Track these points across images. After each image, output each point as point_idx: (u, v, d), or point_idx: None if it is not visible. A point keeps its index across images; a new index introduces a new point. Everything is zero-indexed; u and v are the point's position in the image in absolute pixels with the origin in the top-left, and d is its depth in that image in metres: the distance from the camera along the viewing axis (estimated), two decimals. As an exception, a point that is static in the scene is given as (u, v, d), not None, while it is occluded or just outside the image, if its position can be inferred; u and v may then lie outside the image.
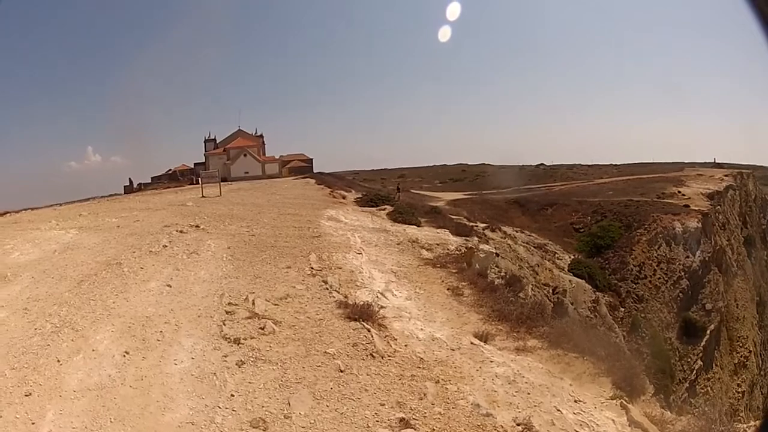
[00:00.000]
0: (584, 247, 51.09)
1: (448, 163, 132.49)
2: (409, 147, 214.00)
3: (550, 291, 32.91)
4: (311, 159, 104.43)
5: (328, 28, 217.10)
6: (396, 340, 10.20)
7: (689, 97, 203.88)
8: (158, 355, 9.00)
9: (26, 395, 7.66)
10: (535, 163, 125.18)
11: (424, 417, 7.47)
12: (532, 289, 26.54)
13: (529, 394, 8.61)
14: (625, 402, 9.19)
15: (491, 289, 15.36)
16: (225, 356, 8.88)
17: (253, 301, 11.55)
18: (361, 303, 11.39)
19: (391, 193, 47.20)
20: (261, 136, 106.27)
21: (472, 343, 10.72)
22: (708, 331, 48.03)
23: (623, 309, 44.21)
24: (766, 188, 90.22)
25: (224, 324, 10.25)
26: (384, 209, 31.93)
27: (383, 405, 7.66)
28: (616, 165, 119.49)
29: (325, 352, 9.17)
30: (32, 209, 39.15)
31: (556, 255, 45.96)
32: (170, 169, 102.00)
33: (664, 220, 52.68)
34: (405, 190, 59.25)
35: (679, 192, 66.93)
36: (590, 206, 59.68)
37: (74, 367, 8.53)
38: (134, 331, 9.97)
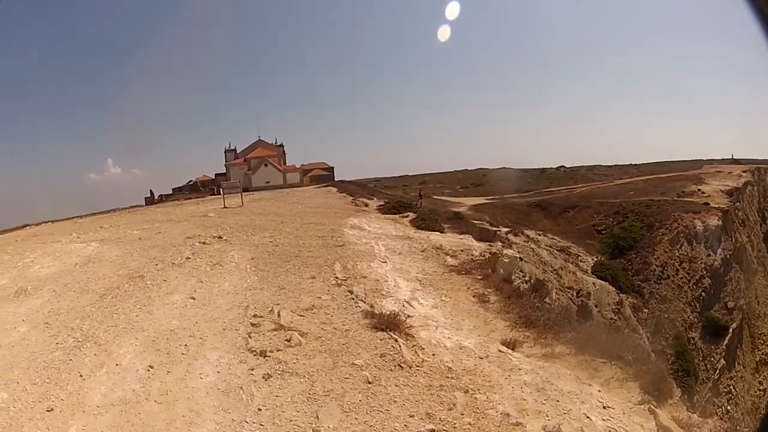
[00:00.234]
0: (607, 248, 50.84)
1: (469, 168, 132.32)
2: (430, 153, 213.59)
3: (574, 294, 32.68)
4: (332, 167, 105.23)
5: (347, 35, 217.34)
6: (423, 349, 10.04)
7: (706, 96, 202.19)
8: (183, 369, 8.87)
9: (48, 411, 7.58)
10: (555, 166, 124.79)
11: (454, 428, 7.33)
12: (556, 293, 26.38)
13: (558, 401, 8.47)
14: (653, 407, 9.14)
15: (517, 295, 15.21)
16: (251, 369, 8.74)
17: (279, 312, 11.39)
18: (388, 312, 11.21)
19: (413, 200, 47.21)
20: (281, 145, 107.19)
21: (499, 350, 10.59)
22: (731, 330, 47.64)
23: (647, 310, 43.89)
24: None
25: (250, 336, 10.11)
26: (407, 216, 31.78)
27: (412, 416, 7.51)
28: (635, 165, 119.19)
29: (353, 363, 9.00)
30: (52, 222, 39.54)
31: (579, 257, 45.82)
32: (191, 180, 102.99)
33: (685, 219, 52.35)
34: (427, 196, 59.25)
35: (699, 190, 66.62)
36: (612, 207, 59.39)
37: (97, 381, 8.42)
38: (158, 345, 9.86)
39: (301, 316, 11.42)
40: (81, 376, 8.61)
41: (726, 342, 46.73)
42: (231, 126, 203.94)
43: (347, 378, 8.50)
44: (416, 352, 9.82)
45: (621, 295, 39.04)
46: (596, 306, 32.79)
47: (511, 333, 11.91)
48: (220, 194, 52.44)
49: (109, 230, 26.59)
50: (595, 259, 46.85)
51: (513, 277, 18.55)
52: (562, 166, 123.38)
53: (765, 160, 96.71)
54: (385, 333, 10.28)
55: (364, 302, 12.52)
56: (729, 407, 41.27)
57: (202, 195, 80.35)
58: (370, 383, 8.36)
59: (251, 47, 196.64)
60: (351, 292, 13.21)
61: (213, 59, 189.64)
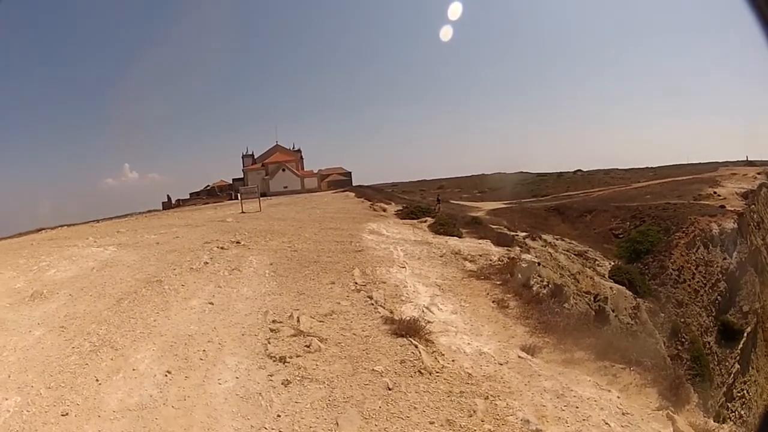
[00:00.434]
0: (624, 252, 50.52)
1: (486, 173, 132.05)
2: (448, 157, 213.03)
3: (592, 299, 32.49)
4: (350, 172, 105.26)
5: (364, 40, 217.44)
6: (443, 355, 9.96)
7: (720, 96, 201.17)
8: (201, 374, 8.81)
9: (63, 415, 7.54)
10: (573, 169, 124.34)
11: (474, 435, 7.25)
12: (573, 297, 26.25)
13: (577, 407, 8.45)
14: (671, 413, 9.25)
15: (536, 301, 15.24)
16: (270, 375, 8.67)
17: (298, 318, 11.34)
18: (408, 318, 11.10)
19: (431, 205, 47.01)
20: (299, 150, 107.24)
21: (519, 356, 10.57)
22: (745, 334, 47.28)
23: (663, 314, 43.49)
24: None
25: (269, 342, 10.05)
26: (425, 221, 31.71)
27: (433, 423, 7.43)
28: (652, 168, 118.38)
29: (373, 369, 8.92)
30: (68, 226, 39.66)
31: (597, 262, 45.50)
32: (208, 185, 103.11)
33: (701, 222, 51.99)
34: (444, 201, 59.02)
35: (715, 193, 66.30)
36: (629, 211, 59.01)
37: (114, 386, 8.38)
38: (176, 350, 9.81)
39: (320, 321, 11.34)
40: (97, 380, 8.56)
41: (740, 346, 46.38)
42: (248, 131, 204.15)
43: (367, 384, 8.42)
44: (436, 358, 9.73)
45: (638, 299, 38.74)
46: (613, 311, 32.58)
47: (530, 339, 11.88)
48: (237, 199, 52.65)
49: (126, 234, 26.74)
50: (613, 264, 46.56)
51: (531, 282, 18.42)
52: (579, 170, 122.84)
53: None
54: (405, 339, 10.20)
55: (384, 308, 12.41)
56: (742, 412, 40.96)
57: (220, 200, 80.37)
58: (390, 390, 8.27)
59: (269, 53, 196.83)
60: (370, 298, 13.12)
61: (231, 65, 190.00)
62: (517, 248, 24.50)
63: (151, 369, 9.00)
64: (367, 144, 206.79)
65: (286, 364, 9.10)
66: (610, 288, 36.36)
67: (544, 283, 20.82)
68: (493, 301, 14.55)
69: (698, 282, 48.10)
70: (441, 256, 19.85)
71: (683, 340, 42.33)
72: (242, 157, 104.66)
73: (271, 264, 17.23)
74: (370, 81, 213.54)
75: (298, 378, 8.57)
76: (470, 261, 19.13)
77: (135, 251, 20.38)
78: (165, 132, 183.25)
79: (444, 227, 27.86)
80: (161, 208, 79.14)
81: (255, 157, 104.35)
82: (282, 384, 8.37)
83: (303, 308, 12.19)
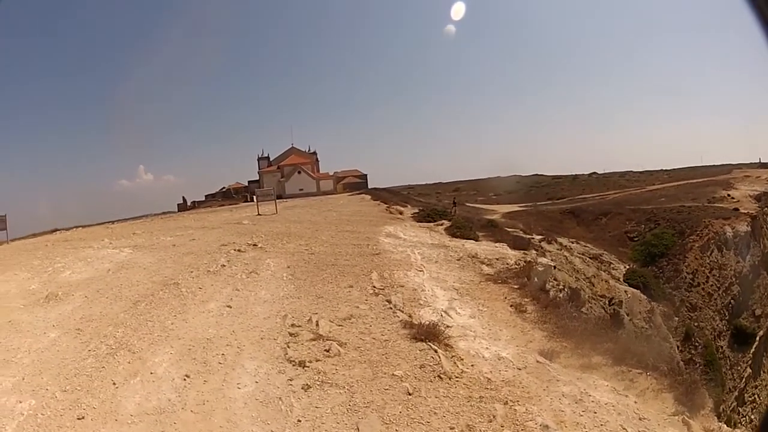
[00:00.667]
0: (639, 256, 50.39)
1: (502, 175, 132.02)
2: (463, 160, 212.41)
3: (606, 302, 32.39)
4: (365, 174, 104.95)
5: (380, 42, 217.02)
6: (462, 360, 9.91)
7: (733, 96, 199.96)
8: (220, 378, 8.77)
9: (79, 419, 7.51)
10: (588, 172, 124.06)
11: (494, 440, 7.24)
12: (589, 301, 26.17)
13: (595, 413, 8.47)
14: (686, 418, 9.35)
15: (554, 305, 15.25)
16: (290, 380, 8.64)
17: (317, 322, 11.29)
18: (427, 323, 11.04)
19: (447, 208, 46.98)
20: (314, 153, 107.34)
21: (537, 361, 10.55)
22: (757, 338, 47.04)
23: (677, 318, 43.42)
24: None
25: (288, 346, 10.00)
26: (441, 224, 31.56)
27: (453, 428, 7.40)
28: (666, 171, 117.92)
29: (393, 374, 8.88)
30: (83, 227, 39.75)
31: (612, 265, 45.44)
32: (224, 187, 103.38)
33: (715, 225, 51.83)
34: (460, 204, 58.88)
35: (729, 195, 66.21)
36: (644, 214, 58.88)
37: (131, 390, 8.36)
38: (194, 354, 9.77)
39: (339, 325, 11.29)
40: (114, 384, 8.54)
41: (752, 350, 46.20)
42: (264, 133, 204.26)
43: (387, 389, 8.38)
44: (455, 363, 9.69)
45: (652, 303, 38.62)
46: (628, 314, 32.46)
47: (548, 343, 11.86)
48: (253, 201, 52.69)
49: (142, 236, 26.79)
50: (628, 267, 46.47)
51: (547, 285, 18.39)
52: (594, 173, 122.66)
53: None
54: (424, 343, 10.15)
55: (402, 312, 12.36)
56: (753, 416, 40.77)
57: (235, 202, 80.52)
58: (410, 394, 8.23)
59: (284, 55, 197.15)
60: (389, 302, 13.07)
61: (247, 66, 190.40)
62: (534, 252, 24.44)
63: (169, 372, 8.97)
64: (382, 146, 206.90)
65: (305, 368, 9.06)
66: (625, 291, 36.25)
67: (560, 286, 20.76)
68: (510, 306, 14.51)
69: (712, 285, 47.98)
70: (458, 260, 19.78)
71: (696, 344, 42.26)
72: (258, 160, 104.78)
73: (289, 267, 17.18)
74: (385, 82, 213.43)
75: (318, 383, 8.53)
76: (487, 264, 19.06)
77: (151, 253, 20.39)
78: (180, 134, 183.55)
79: (460, 230, 27.79)
80: (176, 210, 79.38)
81: (270, 159, 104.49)
82: (302, 388, 8.33)
83: (322, 312, 12.14)
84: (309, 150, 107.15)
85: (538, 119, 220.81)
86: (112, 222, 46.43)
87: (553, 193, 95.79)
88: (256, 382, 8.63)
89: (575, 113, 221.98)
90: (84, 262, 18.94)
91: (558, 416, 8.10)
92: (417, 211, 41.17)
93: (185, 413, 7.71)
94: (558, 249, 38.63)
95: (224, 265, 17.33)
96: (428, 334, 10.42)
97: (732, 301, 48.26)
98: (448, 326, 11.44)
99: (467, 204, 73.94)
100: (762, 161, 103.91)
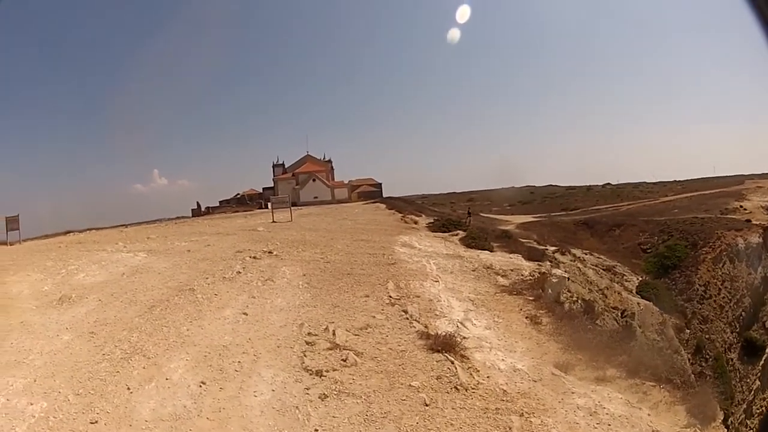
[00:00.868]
0: (651, 267, 50.20)
1: (516, 186, 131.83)
2: (477, 169, 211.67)
3: (619, 314, 32.33)
4: (380, 183, 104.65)
5: (395, 51, 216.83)
6: (479, 371, 9.92)
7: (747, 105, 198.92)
8: (237, 386, 8.76)
9: (92, 423, 7.50)
10: (602, 183, 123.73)
11: (510, 452, 7.23)
12: (602, 313, 26.14)
13: (609, 425, 8.49)
14: (698, 430, 9.72)
15: (569, 317, 15.31)
16: (307, 389, 8.63)
17: (334, 331, 11.30)
18: (443, 334, 11.06)
19: (461, 218, 46.93)
20: (329, 161, 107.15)
21: (553, 373, 10.57)
22: (767, 350, 46.77)
23: (689, 330, 43.26)
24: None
25: (305, 355, 10.01)
26: (456, 234, 31.59)
27: (470, 440, 7.34)
28: (679, 181, 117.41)
29: (410, 385, 8.88)
30: (97, 229, 39.81)
31: (625, 277, 45.31)
32: (238, 194, 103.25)
33: (728, 236, 51.55)
34: (475, 214, 58.76)
35: (741, 206, 65.89)
36: (657, 225, 58.65)
37: (146, 395, 8.36)
38: (210, 361, 9.76)
39: (356, 335, 11.28)
40: (128, 389, 8.54)
41: (762, 362, 45.97)
42: (279, 141, 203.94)
43: (404, 400, 8.38)
44: (471, 374, 9.69)
45: (664, 315, 38.52)
46: (640, 327, 32.38)
47: (563, 356, 11.88)
48: (267, 208, 52.58)
49: (156, 241, 26.89)
50: (640, 279, 46.35)
51: (562, 297, 18.36)
52: (608, 183, 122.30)
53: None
54: (440, 354, 10.17)
55: (419, 322, 12.34)
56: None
57: (250, 208, 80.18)
58: (427, 405, 8.24)
59: (300, 63, 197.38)
60: (405, 312, 13.05)
61: (262, 74, 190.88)
62: (548, 263, 24.42)
63: (185, 379, 8.96)
64: (397, 155, 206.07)
65: (322, 377, 9.06)
66: (638, 304, 36.13)
67: (574, 298, 20.72)
68: (526, 317, 14.50)
69: (723, 298, 47.80)
70: (473, 271, 19.75)
71: (707, 356, 42.09)
72: (273, 167, 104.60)
73: (305, 275, 17.15)
74: (400, 91, 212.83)
75: (336, 392, 8.53)
76: (502, 276, 19.03)
77: (166, 258, 20.42)
78: (196, 139, 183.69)
79: (475, 241, 27.80)
80: (190, 215, 79.47)
81: (285, 166, 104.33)
82: (319, 398, 8.33)
83: (338, 321, 12.12)
84: (324, 158, 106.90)
85: (551, 128, 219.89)
86: (126, 225, 46.56)
87: (567, 203, 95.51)
88: (273, 390, 8.61)
89: (589, 123, 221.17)
90: (98, 265, 18.98)
91: (573, 428, 8.12)
92: (432, 220, 41.19)
93: (201, 420, 7.69)
94: (571, 260, 38.57)
95: (240, 272, 17.31)
96: (445, 345, 10.44)
97: (743, 313, 48.07)
98: (464, 337, 11.46)
99: (481, 214, 73.72)
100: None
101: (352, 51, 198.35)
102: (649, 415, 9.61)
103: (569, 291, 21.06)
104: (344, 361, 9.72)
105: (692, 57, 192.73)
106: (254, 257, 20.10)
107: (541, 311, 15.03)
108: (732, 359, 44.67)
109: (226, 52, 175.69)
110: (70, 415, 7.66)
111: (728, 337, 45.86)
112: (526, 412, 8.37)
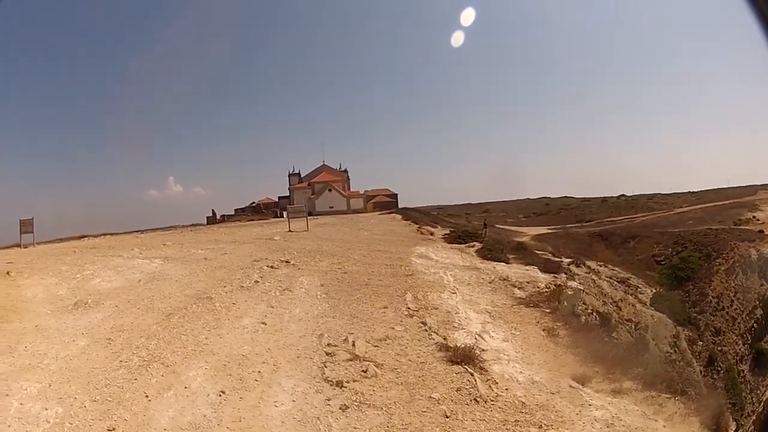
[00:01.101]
0: (665, 279, 50.04)
1: (531, 197, 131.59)
2: (492, 181, 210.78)
3: (633, 327, 32.27)
4: (396, 194, 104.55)
5: (414, 62, 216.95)
6: (497, 383, 9.93)
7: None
8: (257, 396, 8.75)
9: (109, 430, 7.50)
10: (617, 195, 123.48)
11: (530, 464, 7.24)
12: (617, 326, 26.14)
13: None
14: None
15: (585, 330, 15.32)
16: (328, 399, 8.63)
17: (353, 342, 11.30)
18: (463, 346, 11.11)
19: (477, 229, 47.12)
20: (345, 170, 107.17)
21: (570, 386, 10.59)
22: (777, 362, 46.62)
23: (701, 343, 43.11)
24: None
25: (325, 366, 10.01)
26: (473, 246, 31.70)
27: (491, 452, 7.35)
28: (693, 192, 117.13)
29: (430, 396, 8.89)
30: (111, 234, 39.91)
31: (639, 289, 45.18)
32: (254, 202, 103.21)
33: (741, 247, 51.32)
34: (490, 225, 58.72)
35: (754, 217, 65.66)
36: (671, 237, 58.45)
37: (165, 404, 8.34)
38: (230, 370, 9.75)
39: (375, 346, 11.28)
40: (147, 396, 8.53)
41: (772, 374, 45.85)
42: (295, 150, 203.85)
43: (425, 411, 8.37)
44: (490, 386, 9.70)
45: (678, 327, 38.44)
46: (653, 339, 32.33)
47: (580, 368, 11.86)
48: (283, 217, 52.66)
49: (172, 248, 26.92)
50: (654, 291, 46.26)
51: (577, 309, 18.36)
52: (623, 195, 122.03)
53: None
54: (460, 366, 10.19)
55: (438, 334, 12.33)
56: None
57: (265, 217, 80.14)
58: (447, 417, 8.23)
59: (318, 73, 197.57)
60: (424, 324, 13.04)
61: (279, 84, 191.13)
62: (563, 275, 24.43)
63: (204, 388, 8.95)
64: (413, 166, 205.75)
65: (343, 388, 9.05)
66: (651, 316, 36.07)
67: (589, 310, 20.72)
68: (542, 330, 14.52)
69: (736, 309, 47.60)
70: (490, 282, 19.80)
71: (719, 368, 41.94)
72: (288, 176, 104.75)
73: (322, 285, 17.15)
74: (417, 102, 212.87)
75: (356, 403, 8.53)
76: (518, 288, 19.08)
77: (183, 266, 20.42)
78: (211, 147, 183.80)
79: (491, 252, 27.92)
80: (205, 223, 79.63)
81: (301, 175, 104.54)
82: (340, 409, 8.33)
83: (357, 332, 12.13)
84: (340, 168, 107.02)
85: (564, 139, 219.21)
86: (141, 231, 46.62)
87: (582, 215, 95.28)
88: (294, 400, 8.60)
89: (600, 134, 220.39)
90: (114, 270, 19.02)
91: (590, 440, 8.03)
92: (447, 232, 41.34)
93: (221, 430, 7.68)
94: (586, 272, 38.55)
95: (257, 281, 17.31)
96: (464, 357, 10.47)
97: (755, 324, 47.86)
98: (482, 350, 11.50)
99: (497, 225, 73.65)
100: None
101: (369, 61, 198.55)
102: (664, 426, 9.69)
103: (584, 303, 21.06)
104: (364, 372, 9.72)
105: (706, 66, 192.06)
106: (272, 266, 20.09)
107: (557, 324, 15.05)
108: (743, 370, 44.52)
109: (244, 61, 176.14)
110: (86, 421, 7.66)
111: (740, 349, 45.65)
112: (545, 424, 8.39)
